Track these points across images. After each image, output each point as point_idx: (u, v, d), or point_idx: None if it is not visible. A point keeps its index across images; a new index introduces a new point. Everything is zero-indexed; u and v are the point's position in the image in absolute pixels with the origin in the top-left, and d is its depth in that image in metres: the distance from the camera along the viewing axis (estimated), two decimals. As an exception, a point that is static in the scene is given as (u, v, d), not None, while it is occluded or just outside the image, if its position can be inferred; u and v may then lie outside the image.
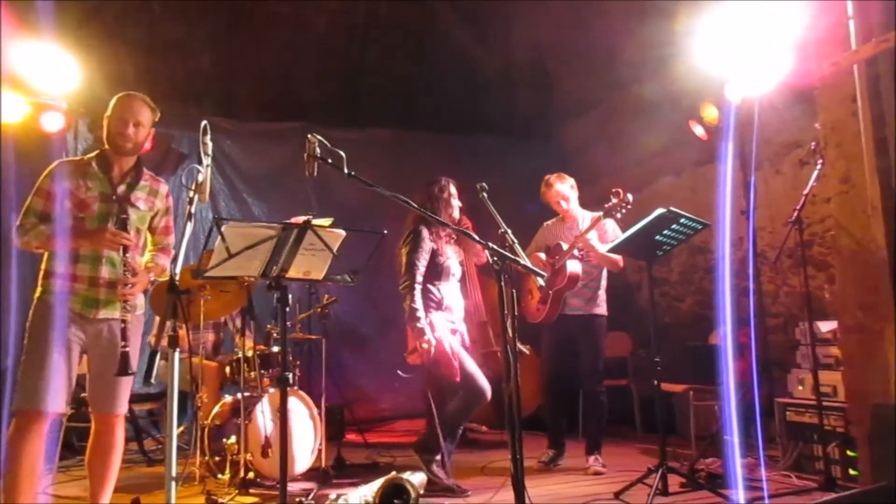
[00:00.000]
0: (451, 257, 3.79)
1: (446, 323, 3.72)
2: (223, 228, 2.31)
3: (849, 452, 3.67)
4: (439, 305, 3.71)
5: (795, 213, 3.92)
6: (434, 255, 3.72)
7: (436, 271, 3.73)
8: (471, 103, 6.98)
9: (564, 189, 4.33)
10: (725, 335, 4.17)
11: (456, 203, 3.83)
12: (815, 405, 3.81)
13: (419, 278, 3.67)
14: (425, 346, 3.56)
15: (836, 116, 3.38)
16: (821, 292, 4.59)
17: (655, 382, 3.63)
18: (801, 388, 4.14)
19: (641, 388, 5.53)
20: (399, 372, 3.90)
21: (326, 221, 2.57)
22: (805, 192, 3.93)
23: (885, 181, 3.11)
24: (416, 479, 3.34)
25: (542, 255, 4.30)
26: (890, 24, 3.10)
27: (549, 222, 4.51)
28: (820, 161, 3.74)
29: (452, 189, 3.83)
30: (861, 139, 3.19)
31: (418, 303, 3.63)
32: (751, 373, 3.97)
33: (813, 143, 4.06)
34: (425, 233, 3.73)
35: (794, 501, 3.38)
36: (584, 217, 4.28)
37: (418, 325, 3.59)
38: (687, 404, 4.83)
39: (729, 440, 3.89)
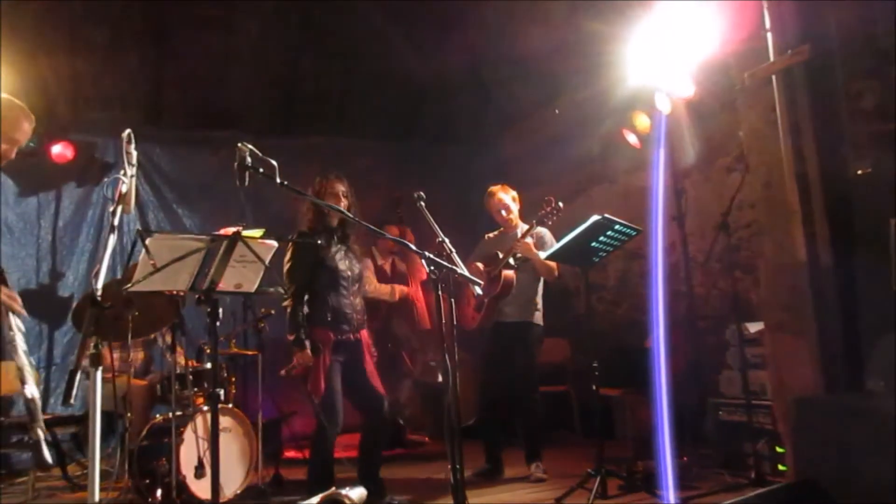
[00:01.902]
0: (343, 261, 3.64)
1: (333, 335, 3.58)
2: (148, 241, 2.27)
3: (777, 448, 3.85)
4: (327, 317, 3.57)
5: (723, 219, 4.11)
6: (319, 261, 3.59)
7: (324, 279, 3.59)
8: (407, 110, 7.01)
9: (507, 199, 4.41)
10: (658, 338, 4.30)
11: (338, 194, 3.63)
12: (744, 404, 3.98)
13: (296, 291, 3.54)
14: (298, 360, 3.50)
15: (757, 125, 3.57)
16: (748, 294, 4.80)
17: (594, 387, 3.72)
18: (731, 387, 4.32)
19: (580, 393, 5.64)
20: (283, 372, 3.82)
21: (257, 233, 2.55)
22: (731, 197, 4.13)
23: (803, 186, 3.30)
24: (356, 493, 3.32)
25: (480, 266, 4.36)
26: (804, 37, 3.30)
27: (489, 235, 4.58)
28: (744, 168, 3.93)
29: (329, 182, 3.66)
30: (780, 146, 3.38)
31: (294, 315, 3.52)
32: (683, 374, 4.11)
33: (738, 151, 4.26)
34: (305, 240, 3.61)
35: (726, 498, 3.51)
36: (524, 229, 4.36)
37: (289, 338, 3.52)
38: (624, 407, 4.96)
39: (663, 441, 4.01)
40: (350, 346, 3.63)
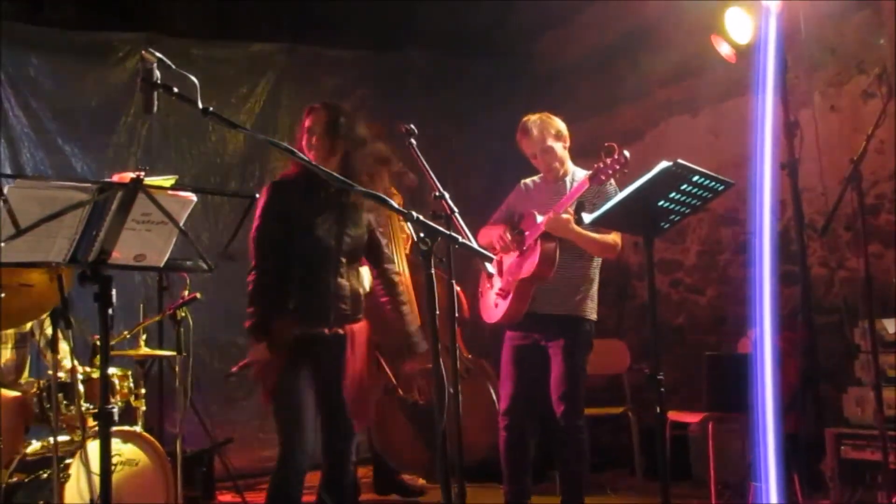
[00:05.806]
0: (326, 225, 3.64)
1: (298, 329, 3.60)
2: (7, 190, 2.24)
3: (924, 501, 3.84)
4: (289, 304, 3.59)
5: (854, 167, 4.04)
6: (290, 223, 3.61)
7: (294, 248, 3.61)
8: (398, 6, 6.94)
9: (549, 137, 4.29)
10: (761, 340, 4.25)
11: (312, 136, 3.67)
12: (879, 435, 3.95)
13: (263, 263, 3.58)
14: (253, 356, 3.55)
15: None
16: (889, 278, 4.74)
17: (658, 409, 3.69)
18: (860, 411, 4.29)
19: (643, 417, 5.63)
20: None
21: (167, 181, 2.52)
22: (868, 135, 4.05)
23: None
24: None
25: (507, 234, 4.30)
26: None
27: (528, 181, 4.49)
28: (888, 93, 3.85)
29: (308, 123, 3.70)
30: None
31: (256, 297, 3.55)
32: (792, 393, 4.08)
33: (879, 68, 4.18)
34: (272, 193, 3.63)
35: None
36: (578, 178, 4.27)
37: (248, 328, 3.56)
38: (705, 439, 4.95)
39: (761, 488, 4.01)
40: (325, 345, 3.61)
